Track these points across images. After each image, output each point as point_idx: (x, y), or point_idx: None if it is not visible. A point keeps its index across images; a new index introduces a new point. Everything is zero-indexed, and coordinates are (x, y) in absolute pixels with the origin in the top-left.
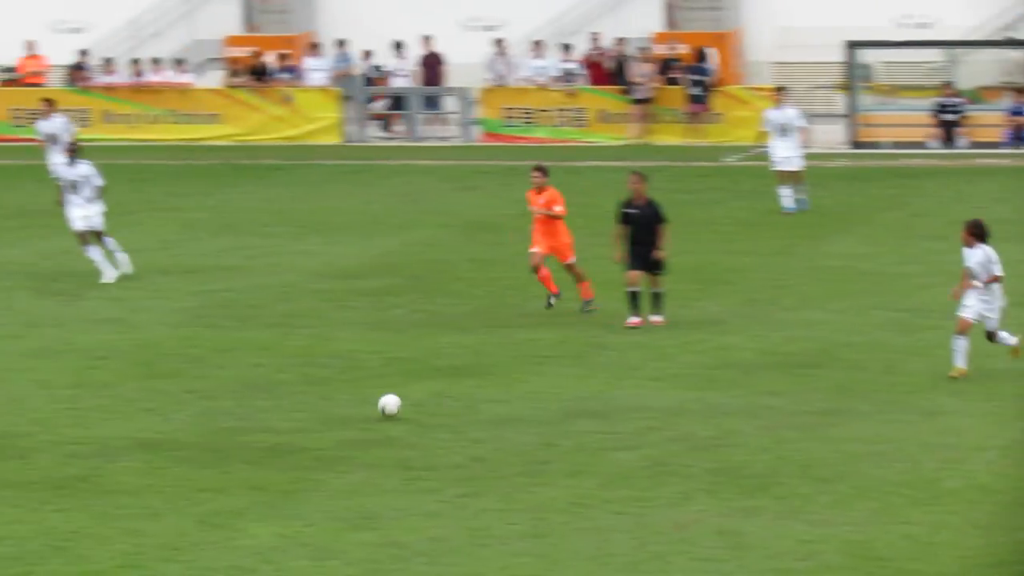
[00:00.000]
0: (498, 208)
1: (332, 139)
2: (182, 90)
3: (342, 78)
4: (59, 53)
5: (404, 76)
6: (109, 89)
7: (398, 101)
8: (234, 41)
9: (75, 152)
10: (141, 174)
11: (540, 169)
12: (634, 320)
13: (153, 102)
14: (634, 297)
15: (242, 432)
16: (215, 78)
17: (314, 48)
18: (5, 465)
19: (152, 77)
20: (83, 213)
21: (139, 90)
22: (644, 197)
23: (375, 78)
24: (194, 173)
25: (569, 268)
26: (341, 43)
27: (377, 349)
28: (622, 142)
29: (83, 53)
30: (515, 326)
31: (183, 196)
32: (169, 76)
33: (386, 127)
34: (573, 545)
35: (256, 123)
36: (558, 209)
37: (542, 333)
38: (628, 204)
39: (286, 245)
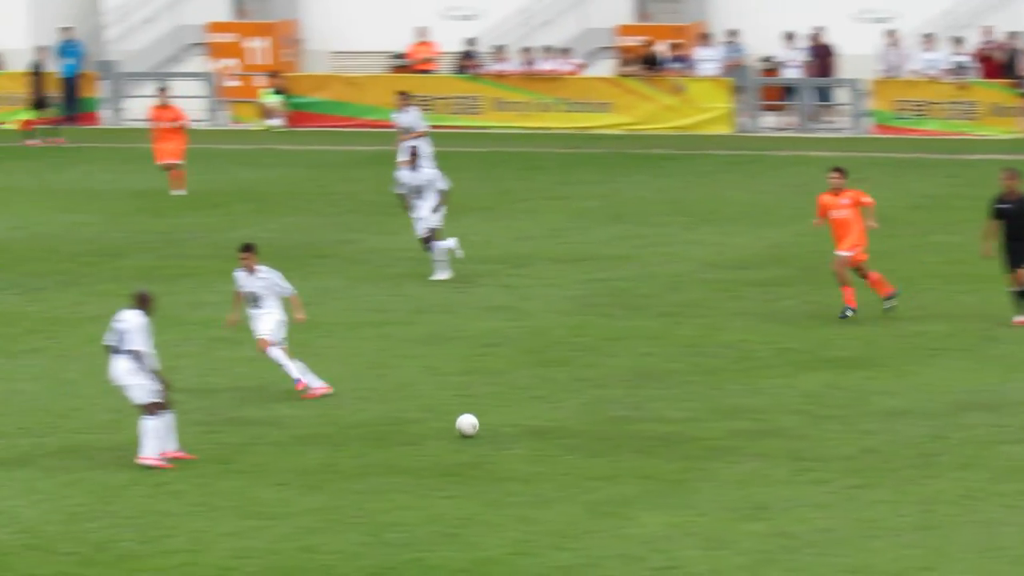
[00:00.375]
0: (889, 200)
1: (723, 129)
2: (573, 79)
3: (733, 68)
4: (449, 40)
5: (795, 67)
6: (500, 77)
7: (789, 92)
8: (626, 30)
9: (415, 158)
10: (532, 162)
11: (838, 170)
12: (1021, 319)
13: (544, 90)
14: (1020, 296)
15: (632, 421)
16: (606, 67)
17: (705, 38)
18: (396, 451)
19: (543, 65)
20: (424, 216)
21: (530, 78)
22: (1017, 193)
23: (766, 69)
24: (585, 161)
25: (843, 261)
26: (732, 33)
27: (768, 339)
28: (1013, 136)
29: (471, 41)
30: (905, 318)
31: (574, 184)
32: (560, 64)
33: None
34: (963, 538)
35: (647, 112)
36: (867, 199)
37: (932, 325)
38: (1001, 200)
39: (677, 235)
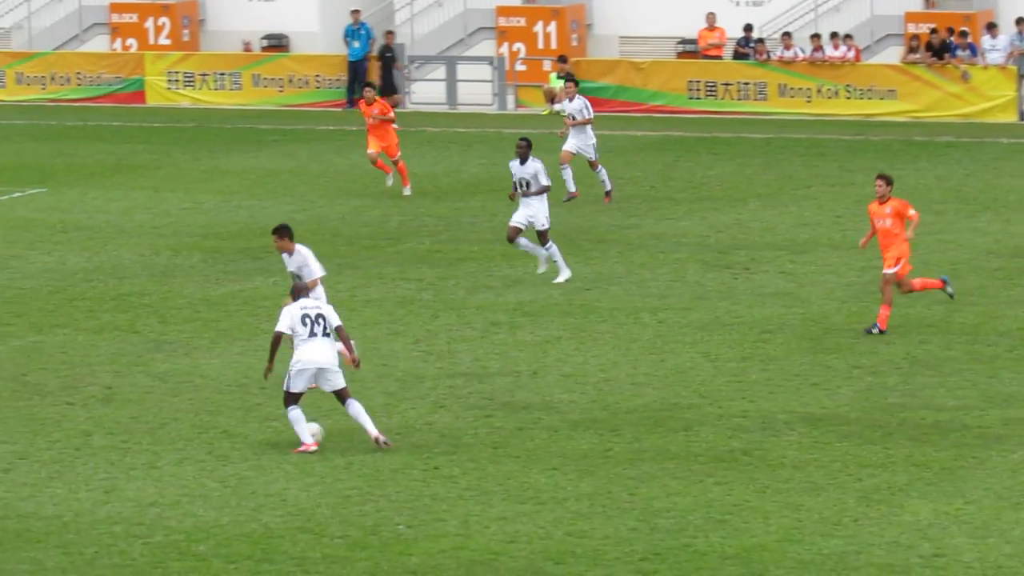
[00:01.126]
0: None
1: (1008, 117)
2: (860, 65)
3: (1020, 57)
4: (738, 27)
5: None
6: (786, 63)
7: None
8: (913, 17)
9: (527, 150)
10: (815, 148)
11: (883, 178)
12: None
13: (831, 77)
14: None
15: (906, 408)
16: (893, 54)
17: (992, 27)
18: (670, 437)
19: (830, 52)
20: (526, 212)
21: (817, 65)
22: None
23: None
24: (868, 148)
25: (885, 278)
26: (1019, 21)
27: None
28: None
29: (747, 27)
30: None
31: (856, 171)
32: (846, 51)
33: None
34: None
35: (932, 100)
36: (911, 212)
37: None
38: None
39: (956, 222)
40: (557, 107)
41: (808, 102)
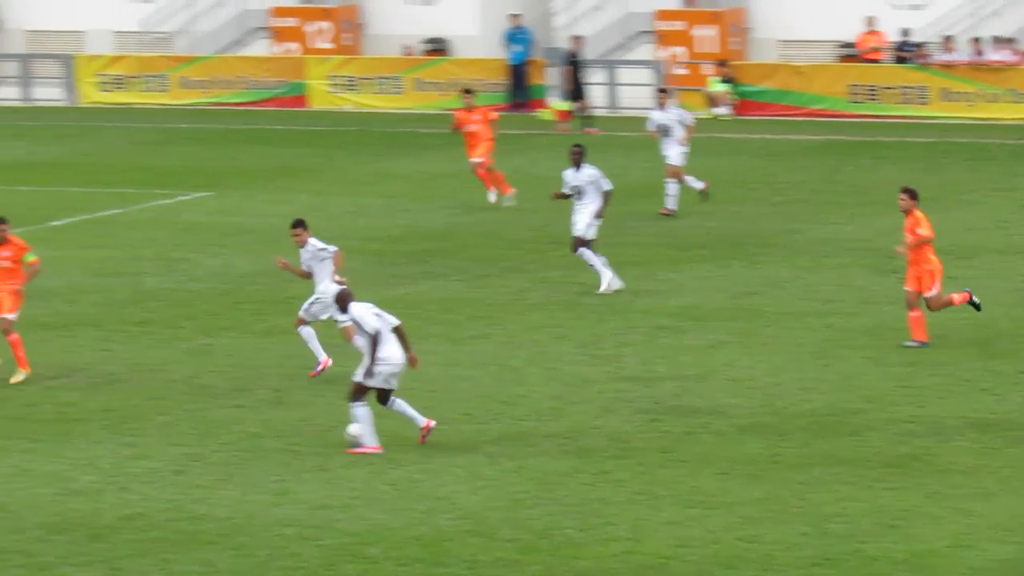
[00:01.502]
0: None
1: None
2: (1021, 70)
3: None
4: (897, 30)
5: None
6: (947, 67)
7: None
8: None
9: (581, 156)
10: (979, 153)
11: (906, 191)
12: None
13: (993, 81)
14: None
15: None
16: None
17: None
18: (838, 442)
19: (992, 55)
20: (580, 219)
21: (978, 68)
22: None
23: None
24: None
25: (928, 302)
26: None
27: None
28: None
29: (905, 31)
30: None
31: (1022, 176)
32: (1009, 55)
33: None
34: None
35: None
36: (921, 232)
37: None
38: None
39: None
40: (717, 111)
41: (969, 106)
